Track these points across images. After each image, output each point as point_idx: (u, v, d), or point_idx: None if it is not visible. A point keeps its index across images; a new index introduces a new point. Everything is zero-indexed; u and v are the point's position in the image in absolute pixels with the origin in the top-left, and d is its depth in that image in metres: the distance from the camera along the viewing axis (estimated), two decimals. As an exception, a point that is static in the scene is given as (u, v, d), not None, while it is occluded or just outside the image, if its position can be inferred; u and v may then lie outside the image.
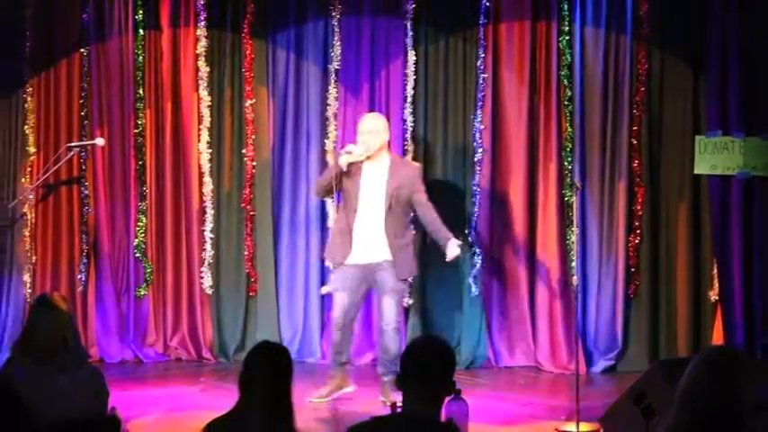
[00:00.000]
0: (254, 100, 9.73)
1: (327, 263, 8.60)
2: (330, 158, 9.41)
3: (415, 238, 8.52)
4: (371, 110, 9.43)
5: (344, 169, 8.11)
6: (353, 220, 8.13)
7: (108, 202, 9.71)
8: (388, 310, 8.04)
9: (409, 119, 9.57)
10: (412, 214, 8.30)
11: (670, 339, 9.39)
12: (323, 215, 9.64)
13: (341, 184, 8.15)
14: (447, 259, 8.08)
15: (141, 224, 9.72)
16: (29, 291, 9.46)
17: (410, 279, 8.87)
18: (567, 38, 9.40)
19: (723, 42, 8.81)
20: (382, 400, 7.95)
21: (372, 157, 8.12)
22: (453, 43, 9.65)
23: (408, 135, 9.55)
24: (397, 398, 4.08)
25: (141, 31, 9.69)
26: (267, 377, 4.18)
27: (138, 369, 9.49)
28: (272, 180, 9.80)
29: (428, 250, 9.22)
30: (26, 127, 9.61)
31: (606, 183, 9.39)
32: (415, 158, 9.35)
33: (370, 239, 8.08)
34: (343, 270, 8.16)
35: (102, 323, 9.71)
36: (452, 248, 8.01)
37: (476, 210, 9.48)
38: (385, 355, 8.07)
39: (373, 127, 8.17)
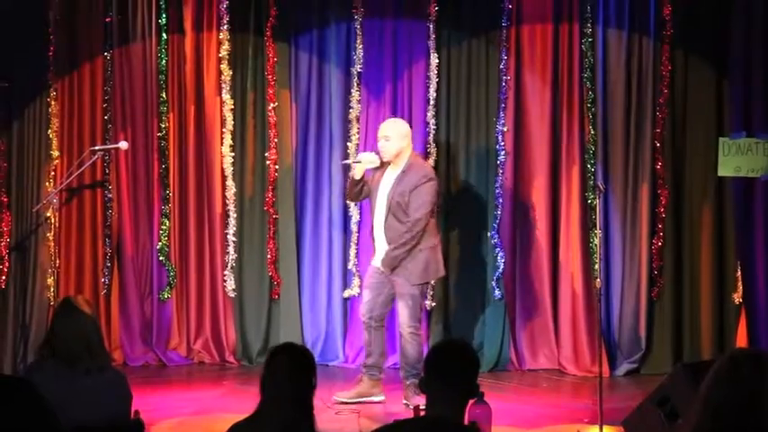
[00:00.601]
0: (276, 103, 9.73)
1: None
2: (348, 160, 9.43)
3: (439, 241, 8.43)
4: (394, 112, 9.43)
5: (357, 177, 8.21)
6: (372, 224, 8.24)
7: (131, 206, 9.73)
8: (402, 314, 8.10)
9: (432, 121, 9.54)
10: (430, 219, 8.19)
11: (694, 342, 9.35)
12: (346, 218, 9.64)
13: (367, 188, 8.24)
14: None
15: (164, 227, 9.74)
16: (53, 294, 9.47)
17: (432, 282, 8.85)
18: (590, 40, 9.37)
19: (747, 44, 8.78)
20: (405, 403, 7.96)
21: (392, 162, 8.13)
22: (476, 46, 9.62)
23: (431, 137, 9.52)
24: (420, 401, 4.08)
25: (165, 35, 9.71)
26: (289, 378, 4.18)
27: (161, 372, 9.50)
28: (295, 183, 9.79)
29: (450, 253, 9.23)
30: (50, 131, 9.60)
31: (629, 185, 9.35)
32: (437, 161, 9.35)
33: (381, 244, 8.14)
34: (369, 268, 8.35)
35: (125, 326, 9.73)
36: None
37: (498, 212, 9.45)
38: (404, 359, 8.10)
39: (388, 132, 8.16)
